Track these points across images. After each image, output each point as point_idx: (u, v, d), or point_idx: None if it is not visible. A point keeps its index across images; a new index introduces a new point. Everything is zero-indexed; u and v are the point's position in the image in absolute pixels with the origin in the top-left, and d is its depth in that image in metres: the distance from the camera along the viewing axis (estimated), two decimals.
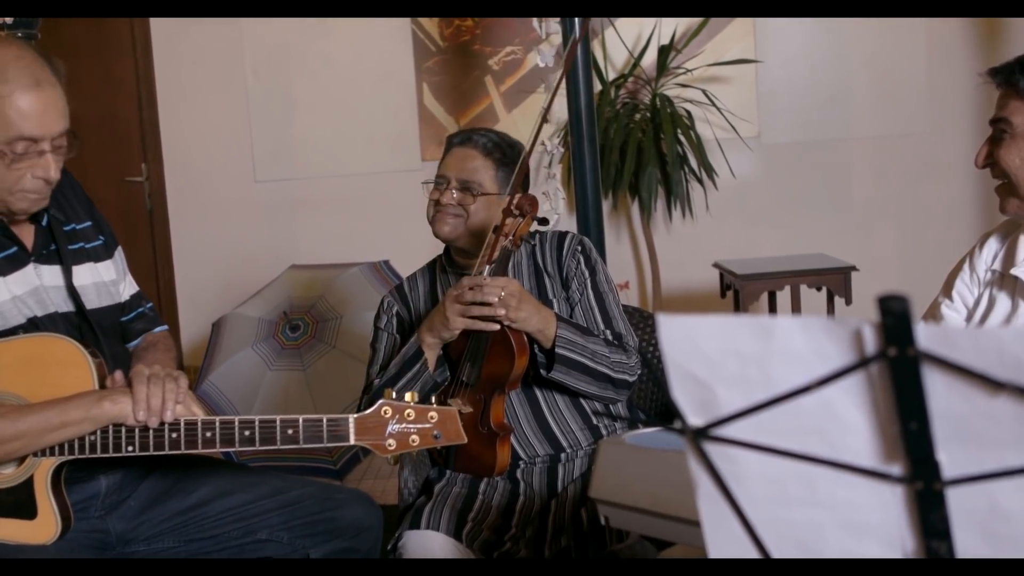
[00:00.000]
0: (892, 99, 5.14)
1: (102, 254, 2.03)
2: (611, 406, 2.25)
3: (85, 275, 1.97)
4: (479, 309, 2.03)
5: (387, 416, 1.75)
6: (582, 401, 2.22)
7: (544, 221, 2.15)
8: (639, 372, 2.20)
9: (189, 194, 5.30)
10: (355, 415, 1.76)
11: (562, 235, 2.29)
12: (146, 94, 5.21)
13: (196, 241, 5.32)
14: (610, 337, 2.19)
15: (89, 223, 2.03)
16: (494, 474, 2.15)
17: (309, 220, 5.27)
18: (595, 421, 2.22)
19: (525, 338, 2.08)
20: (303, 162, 5.24)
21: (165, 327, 2.16)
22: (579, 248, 2.26)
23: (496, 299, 2.01)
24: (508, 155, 2.25)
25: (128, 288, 2.10)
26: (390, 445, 1.75)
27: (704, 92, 4.96)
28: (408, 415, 1.75)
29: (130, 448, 1.77)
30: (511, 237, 2.07)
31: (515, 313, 2.03)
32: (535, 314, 2.06)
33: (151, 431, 1.77)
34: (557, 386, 2.16)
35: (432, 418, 1.76)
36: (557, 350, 2.07)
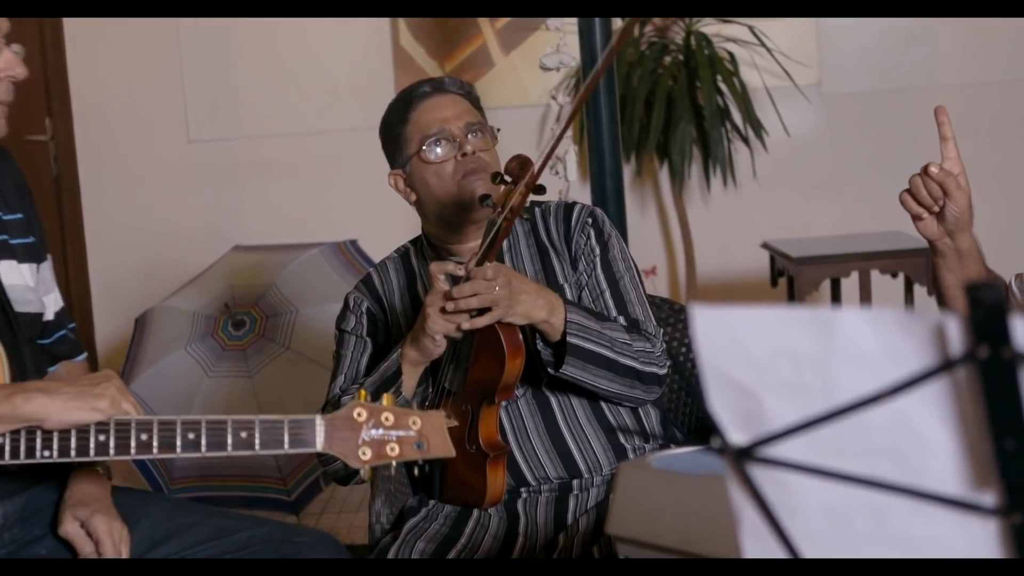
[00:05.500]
0: (987, 37, 5.14)
1: (25, 256, 2.05)
2: (645, 423, 2.25)
3: (12, 274, 2.00)
4: (462, 313, 2.00)
5: (361, 419, 1.75)
6: (605, 410, 2.21)
7: (540, 189, 2.08)
8: (668, 364, 2.20)
9: (105, 157, 5.30)
10: (323, 415, 1.76)
11: (570, 206, 2.29)
12: (51, 33, 5.21)
13: (114, 215, 5.32)
14: (623, 323, 2.19)
15: (20, 215, 2.06)
16: (484, 505, 2.14)
17: (256, 190, 5.27)
18: (622, 440, 2.21)
19: (520, 334, 2.06)
20: (249, 118, 5.24)
21: (84, 355, 2.20)
22: (589, 220, 2.26)
23: (486, 295, 1.98)
24: (478, 103, 2.28)
25: (53, 304, 2.13)
26: (364, 454, 1.74)
27: (751, 29, 4.95)
28: (386, 419, 1.75)
29: (47, 453, 1.76)
30: (501, 210, 2.02)
31: (509, 308, 2.00)
32: (535, 300, 2.04)
33: (73, 433, 1.76)
34: (575, 389, 2.15)
35: (414, 424, 1.76)
36: (569, 339, 2.04)
